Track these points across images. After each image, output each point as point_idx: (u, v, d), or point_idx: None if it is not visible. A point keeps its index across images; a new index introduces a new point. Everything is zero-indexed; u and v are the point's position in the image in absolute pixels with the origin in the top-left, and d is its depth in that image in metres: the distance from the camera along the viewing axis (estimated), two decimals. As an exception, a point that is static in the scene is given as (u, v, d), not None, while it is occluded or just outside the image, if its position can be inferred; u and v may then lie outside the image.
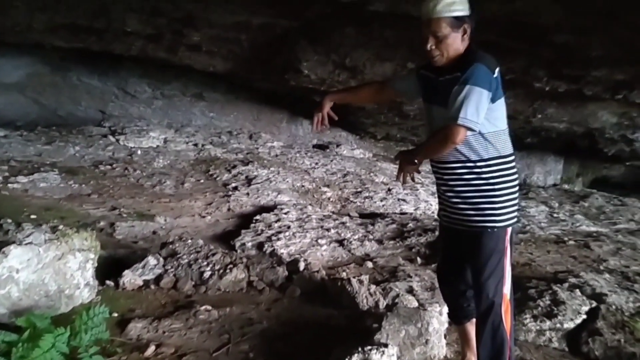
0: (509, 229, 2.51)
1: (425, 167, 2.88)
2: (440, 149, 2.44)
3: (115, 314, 3.33)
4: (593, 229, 6.79)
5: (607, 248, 5.67)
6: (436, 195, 2.85)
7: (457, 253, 2.71)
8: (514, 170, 2.55)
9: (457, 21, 2.38)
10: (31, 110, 9.61)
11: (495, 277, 2.47)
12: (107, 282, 3.78)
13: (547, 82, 6.37)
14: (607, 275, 4.57)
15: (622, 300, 3.97)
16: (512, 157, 2.54)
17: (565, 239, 6.01)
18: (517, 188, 2.57)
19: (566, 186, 10.09)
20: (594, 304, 3.84)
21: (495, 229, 2.47)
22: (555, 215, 7.39)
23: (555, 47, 5.47)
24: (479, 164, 2.46)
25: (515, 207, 2.55)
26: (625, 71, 5.81)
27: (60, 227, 3.44)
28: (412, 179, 2.64)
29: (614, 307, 3.86)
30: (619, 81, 6.05)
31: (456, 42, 2.41)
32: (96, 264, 3.52)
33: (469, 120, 2.29)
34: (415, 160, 2.57)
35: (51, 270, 3.15)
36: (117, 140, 8.40)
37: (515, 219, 2.55)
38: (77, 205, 5.63)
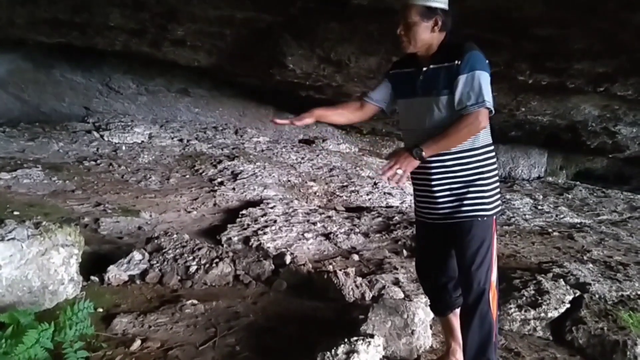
0: (495, 217, 2.54)
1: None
2: (467, 136, 2.40)
3: (101, 310, 3.30)
4: (577, 220, 6.87)
5: (591, 239, 5.74)
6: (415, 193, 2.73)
7: (439, 248, 2.71)
8: (496, 158, 2.58)
9: (429, 12, 2.39)
10: (13, 107, 9.51)
11: (485, 266, 2.48)
12: (92, 277, 3.75)
13: (530, 75, 6.41)
14: (590, 265, 4.63)
15: (605, 290, 4.03)
16: (493, 145, 2.58)
17: (550, 230, 6.08)
18: (498, 176, 2.61)
19: (550, 179, 10.18)
20: (578, 293, 3.89)
21: (485, 218, 2.49)
22: (539, 207, 7.46)
23: (537, 41, 5.50)
24: (471, 152, 2.47)
25: (500, 195, 2.59)
26: (607, 64, 5.87)
27: (44, 222, 3.41)
28: (403, 179, 2.42)
29: (597, 296, 3.92)
30: (601, 74, 6.11)
31: (425, 33, 2.42)
32: (80, 260, 3.50)
33: (491, 103, 2.35)
34: (424, 155, 2.40)
35: (34, 266, 3.12)
36: (102, 136, 8.35)
37: (500, 207, 2.58)
38: (61, 201, 5.58)
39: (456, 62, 2.36)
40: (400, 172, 2.38)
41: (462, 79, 2.34)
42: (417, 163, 2.41)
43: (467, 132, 2.38)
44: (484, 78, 2.34)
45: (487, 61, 2.40)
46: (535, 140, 9.89)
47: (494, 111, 2.40)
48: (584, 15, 4.80)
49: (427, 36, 2.43)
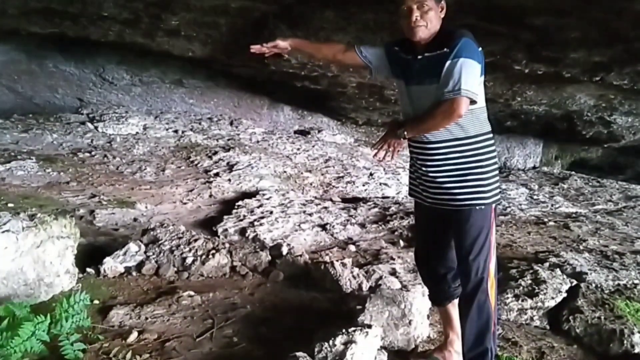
0: (494, 206, 2.54)
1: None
2: (442, 123, 2.39)
3: (97, 302, 3.29)
4: (572, 210, 6.88)
5: (587, 228, 5.74)
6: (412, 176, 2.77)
7: (438, 233, 2.70)
8: (495, 146, 2.57)
9: None
10: (7, 99, 9.44)
11: (483, 254, 2.48)
12: (88, 269, 3.73)
13: (526, 65, 6.40)
14: (586, 255, 4.64)
15: (601, 279, 4.04)
16: (492, 135, 2.56)
17: (546, 220, 6.08)
18: (498, 165, 2.59)
19: (545, 168, 10.20)
20: (575, 282, 3.90)
21: (484, 207, 2.48)
22: (535, 197, 7.47)
23: (533, 30, 5.48)
24: (465, 141, 2.46)
25: (499, 184, 2.58)
26: (603, 53, 5.86)
27: (39, 214, 3.38)
28: (392, 157, 2.57)
29: (593, 285, 3.94)
30: (597, 63, 6.10)
31: (436, 18, 2.41)
32: (76, 251, 3.48)
33: (471, 92, 2.31)
34: (405, 135, 2.48)
35: (30, 258, 3.10)
36: (96, 128, 8.30)
37: (499, 196, 2.58)
38: (55, 193, 5.55)
39: (445, 49, 2.34)
40: (390, 150, 2.55)
41: (446, 66, 2.33)
42: (401, 142, 2.54)
43: (441, 119, 2.37)
44: (467, 66, 2.30)
45: (479, 49, 2.38)
46: (531, 130, 9.89)
47: (476, 100, 2.36)
48: (580, 4, 4.78)
49: (437, 22, 2.42)
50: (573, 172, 9.90)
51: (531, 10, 5.05)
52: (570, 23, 5.24)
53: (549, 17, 5.17)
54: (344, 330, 2.59)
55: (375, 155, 2.56)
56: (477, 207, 2.48)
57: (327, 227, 5.22)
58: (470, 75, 2.31)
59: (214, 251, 4.04)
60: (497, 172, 2.57)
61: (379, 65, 2.71)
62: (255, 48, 2.71)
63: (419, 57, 2.46)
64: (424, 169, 2.58)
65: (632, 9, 4.65)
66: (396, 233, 5.21)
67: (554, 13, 5.07)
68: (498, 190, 2.56)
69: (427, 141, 2.51)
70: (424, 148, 2.54)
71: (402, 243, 4.91)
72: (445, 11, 2.45)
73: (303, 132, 10.01)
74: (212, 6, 6.29)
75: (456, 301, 2.70)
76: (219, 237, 4.78)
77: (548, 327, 3.56)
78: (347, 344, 2.51)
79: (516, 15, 5.19)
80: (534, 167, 10.36)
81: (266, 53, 2.75)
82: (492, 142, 2.54)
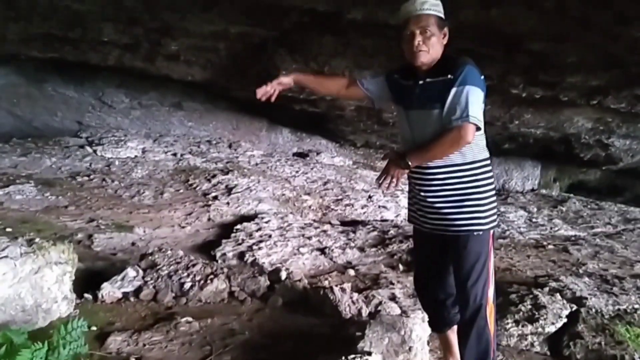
0: (492, 231, 2.54)
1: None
2: (450, 150, 2.41)
3: (94, 328, 3.26)
4: (571, 233, 6.88)
5: (586, 252, 5.74)
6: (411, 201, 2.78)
7: (437, 260, 2.70)
8: (492, 172, 2.58)
9: (442, 22, 2.43)
10: (6, 122, 9.46)
11: (482, 281, 2.48)
12: (86, 295, 3.71)
13: (523, 89, 6.44)
14: (586, 279, 4.63)
15: (601, 304, 4.03)
16: (490, 160, 2.57)
17: (545, 243, 6.07)
18: (495, 191, 2.60)
19: (544, 191, 10.20)
20: (575, 307, 3.89)
21: (481, 232, 2.48)
22: (534, 220, 7.46)
23: (530, 54, 5.53)
24: (463, 167, 2.47)
25: (496, 210, 2.58)
26: (600, 77, 5.90)
27: (37, 240, 3.37)
28: (396, 185, 2.54)
29: (593, 310, 3.92)
30: (594, 87, 6.14)
31: (439, 44, 2.43)
32: (74, 277, 3.46)
33: (477, 119, 2.34)
34: (410, 164, 2.47)
35: (28, 284, 3.08)
36: (95, 151, 8.30)
37: (497, 222, 2.58)
38: (54, 217, 5.54)
39: (449, 76, 2.37)
40: (393, 182, 2.50)
41: (452, 92, 2.35)
42: (405, 171, 2.51)
43: (449, 146, 2.39)
44: (473, 93, 2.34)
45: (482, 77, 2.41)
46: (529, 152, 9.91)
47: (481, 127, 2.39)
48: (577, 30, 4.82)
49: (440, 48, 2.45)
50: (572, 195, 9.90)
51: (528, 35, 5.11)
52: (567, 48, 5.29)
53: (546, 42, 5.22)
54: (343, 358, 2.58)
55: (380, 186, 2.55)
56: (475, 233, 2.48)
57: (326, 250, 5.20)
58: (476, 103, 2.34)
59: (212, 276, 4.02)
60: (494, 197, 2.57)
61: (380, 94, 2.75)
62: (260, 92, 2.72)
63: (421, 82, 2.48)
64: (422, 194, 2.59)
65: (628, 35, 4.70)
66: (395, 257, 5.19)
67: (551, 38, 5.11)
68: (496, 216, 2.57)
69: (425, 166, 2.52)
70: (422, 173, 2.55)
71: (401, 267, 4.90)
72: (447, 38, 2.47)
73: (302, 155, 10.02)
74: (212, 32, 6.35)
75: (456, 327, 2.69)
76: (217, 261, 4.76)
77: (548, 353, 3.55)
78: (346, 371, 2.49)
79: (513, 40, 5.24)
80: (533, 190, 10.36)
81: (272, 95, 2.75)
82: (489, 168, 2.55)
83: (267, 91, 2.73)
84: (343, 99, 3.15)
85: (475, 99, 2.34)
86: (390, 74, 2.72)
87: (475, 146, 2.47)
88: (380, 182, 2.53)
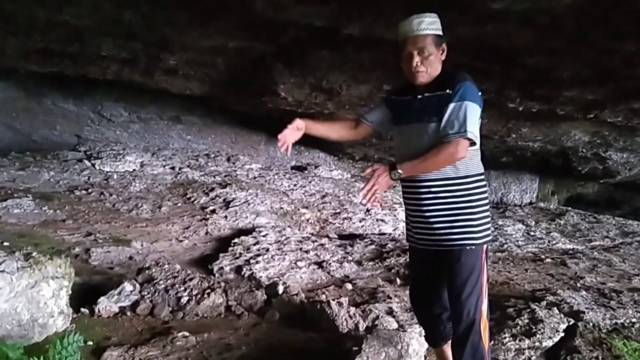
0: (485, 246, 2.54)
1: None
2: (445, 163, 2.42)
3: (91, 343, 3.26)
4: (569, 246, 6.88)
5: (584, 265, 5.74)
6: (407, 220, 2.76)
7: (432, 275, 2.69)
8: (486, 187, 2.59)
9: (439, 39, 2.46)
10: (4, 136, 9.48)
11: (475, 295, 2.47)
12: (82, 309, 3.71)
13: (520, 103, 6.46)
14: (584, 293, 4.63)
15: (599, 318, 4.02)
16: (484, 175, 2.59)
17: (543, 256, 6.08)
18: (489, 205, 2.61)
19: (542, 204, 10.20)
20: (572, 321, 3.88)
21: (474, 247, 2.49)
22: (532, 233, 7.47)
23: (527, 69, 5.56)
24: (457, 181, 2.49)
25: (490, 224, 2.59)
26: (596, 91, 5.92)
27: (34, 254, 3.37)
28: (380, 199, 2.49)
29: (591, 324, 3.91)
30: (590, 101, 6.16)
31: (437, 61, 2.47)
32: (70, 292, 3.47)
33: (474, 134, 2.37)
34: (401, 174, 2.43)
35: (24, 298, 3.09)
36: (93, 165, 8.31)
37: (491, 236, 2.58)
38: (51, 231, 5.54)
39: (447, 90, 2.40)
40: (378, 192, 2.42)
41: (450, 107, 2.38)
42: (393, 183, 2.45)
43: (443, 159, 2.41)
44: (471, 109, 2.37)
45: (479, 93, 2.44)
46: (527, 165, 9.92)
47: (477, 143, 2.42)
48: (572, 45, 4.86)
49: (438, 65, 2.48)
50: (570, 208, 9.91)
51: (524, 50, 5.14)
52: (562, 63, 5.32)
53: (542, 57, 5.25)
54: (339, 373, 2.57)
55: (364, 197, 2.47)
56: (468, 247, 2.49)
57: (324, 264, 5.20)
58: (473, 119, 2.37)
59: (209, 290, 4.02)
60: (488, 212, 2.59)
61: (384, 120, 2.79)
62: (284, 148, 2.75)
63: (419, 96, 2.51)
64: (415, 207, 2.61)
65: (624, 49, 4.74)
66: (393, 271, 5.19)
67: (547, 53, 5.15)
68: (489, 231, 2.57)
69: (418, 179, 2.53)
70: (416, 187, 2.56)
71: (398, 281, 4.90)
72: (445, 53, 2.50)
73: (300, 168, 10.02)
74: (210, 46, 6.38)
75: (451, 342, 2.68)
76: (214, 275, 4.76)
77: (546, 367, 3.53)
78: (342, 387, 2.48)
79: (509, 55, 5.28)
80: (531, 203, 10.36)
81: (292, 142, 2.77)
82: (483, 183, 2.56)
83: (286, 139, 2.75)
84: (355, 141, 3.13)
85: (472, 115, 2.37)
86: (388, 96, 2.77)
87: (469, 161, 2.49)
88: (365, 195, 2.45)
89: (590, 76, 5.52)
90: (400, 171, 2.44)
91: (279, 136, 2.72)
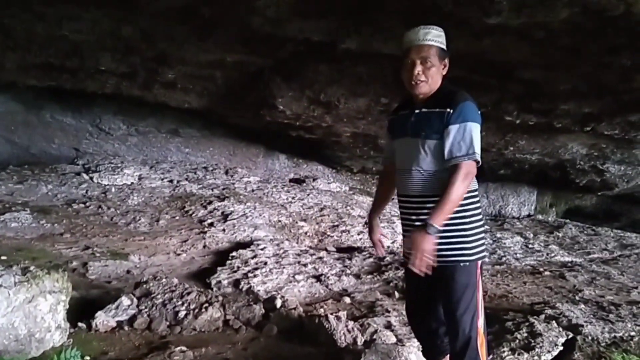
0: (480, 262, 2.53)
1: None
2: (465, 189, 2.41)
3: (88, 358, 3.25)
4: (568, 259, 6.87)
5: (582, 278, 5.73)
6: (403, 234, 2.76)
7: (427, 291, 2.68)
8: (480, 203, 2.59)
9: (443, 53, 2.47)
10: (3, 149, 9.48)
11: (470, 312, 2.47)
12: (80, 324, 3.69)
13: (517, 116, 6.50)
14: (582, 306, 4.62)
15: (597, 331, 4.01)
16: (477, 191, 2.59)
17: (541, 269, 6.07)
18: (483, 222, 2.61)
19: (540, 217, 10.21)
20: (571, 335, 3.87)
21: (468, 263, 2.48)
22: (530, 245, 7.46)
23: (523, 83, 5.60)
24: None
25: (484, 241, 2.59)
26: (593, 104, 5.96)
27: (31, 268, 3.36)
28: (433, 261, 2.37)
29: (590, 338, 3.90)
30: (587, 114, 6.20)
31: (438, 74, 2.48)
32: (68, 306, 3.45)
33: (479, 155, 2.39)
34: (438, 228, 2.35)
35: (21, 313, 3.08)
36: (91, 178, 8.30)
37: (485, 252, 2.58)
38: (49, 245, 5.53)
39: (448, 109, 2.39)
40: (429, 259, 2.34)
41: (453, 129, 2.38)
42: (434, 239, 2.35)
43: (464, 186, 2.40)
44: (475, 129, 2.39)
45: (479, 112, 2.44)
46: (525, 178, 9.95)
47: (480, 162, 2.43)
48: (568, 59, 4.90)
49: (439, 79, 2.49)
50: (568, 220, 9.91)
51: (520, 64, 5.18)
52: (559, 76, 5.36)
53: (538, 70, 5.29)
54: (337, 388, 2.56)
55: (418, 268, 2.35)
56: (462, 264, 2.48)
57: (322, 278, 5.19)
58: (477, 139, 2.39)
59: (206, 304, 4.00)
60: (482, 228, 2.58)
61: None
62: (381, 250, 2.90)
63: (417, 111, 2.52)
64: (409, 222, 2.60)
65: (619, 63, 4.77)
66: (391, 284, 5.18)
67: (543, 67, 5.19)
68: (483, 247, 2.57)
69: (412, 195, 2.55)
70: (411, 202, 2.57)
71: (397, 294, 4.88)
72: (447, 69, 2.51)
73: (298, 181, 10.02)
74: (208, 60, 6.42)
75: (448, 357, 2.67)
76: (212, 289, 4.75)
77: (545, 381, 3.52)
78: (340, 402, 2.47)
79: (506, 69, 5.32)
80: (529, 215, 10.37)
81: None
82: (477, 199, 2.56)
83: (381, 245, 2.89)
84: None
85: (477, 136, 2.40)
86: (390, 122, 2.80)
87: None
88: (416, 262, 2.35)
89: (586, 89, 5.56)
90: (435, 225, 2.34)
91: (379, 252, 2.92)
